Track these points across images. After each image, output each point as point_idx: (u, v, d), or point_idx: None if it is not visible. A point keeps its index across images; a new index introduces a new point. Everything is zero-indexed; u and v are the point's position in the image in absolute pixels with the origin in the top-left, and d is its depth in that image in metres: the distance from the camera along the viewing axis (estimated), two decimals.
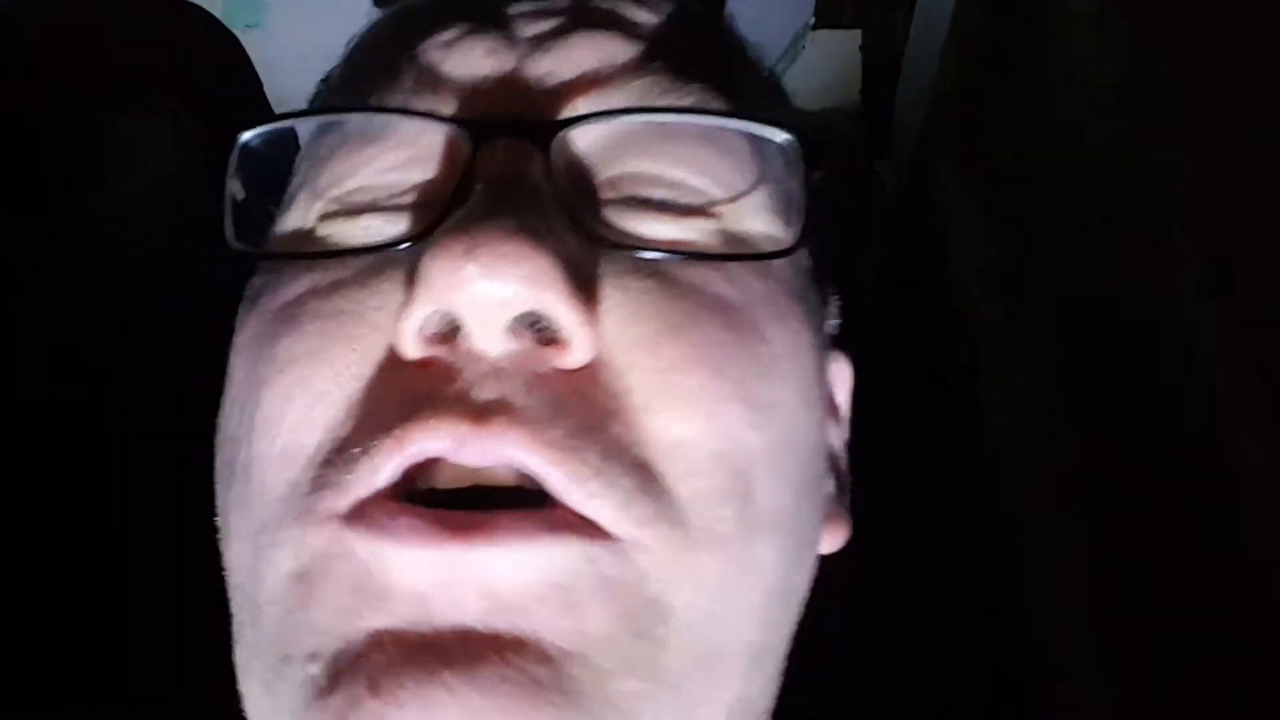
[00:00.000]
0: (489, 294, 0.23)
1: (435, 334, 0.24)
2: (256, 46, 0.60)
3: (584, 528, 0.23)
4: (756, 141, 0.29)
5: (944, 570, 0.50)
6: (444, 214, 0.25)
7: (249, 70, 0.58)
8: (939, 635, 0.47)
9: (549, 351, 0.24)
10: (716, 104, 0.30)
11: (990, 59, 0.55)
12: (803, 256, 0.31)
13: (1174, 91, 0.40)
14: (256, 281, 0.30)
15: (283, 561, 0.24)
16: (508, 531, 0.22)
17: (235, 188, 0.29)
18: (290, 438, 0.25)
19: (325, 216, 0.29)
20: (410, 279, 0.24)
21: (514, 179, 0.25)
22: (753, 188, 0.29)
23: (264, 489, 0.25)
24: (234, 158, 0.29)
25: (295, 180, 0.31)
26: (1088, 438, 0.48)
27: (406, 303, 0.24)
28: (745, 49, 0.36)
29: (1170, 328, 0.40)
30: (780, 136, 0.29)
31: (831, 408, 0.33)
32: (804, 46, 0.81)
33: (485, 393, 0.23)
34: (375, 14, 0.35)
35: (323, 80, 0.36)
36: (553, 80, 0.29)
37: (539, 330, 0.24)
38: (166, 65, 0.53)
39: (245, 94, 0.57)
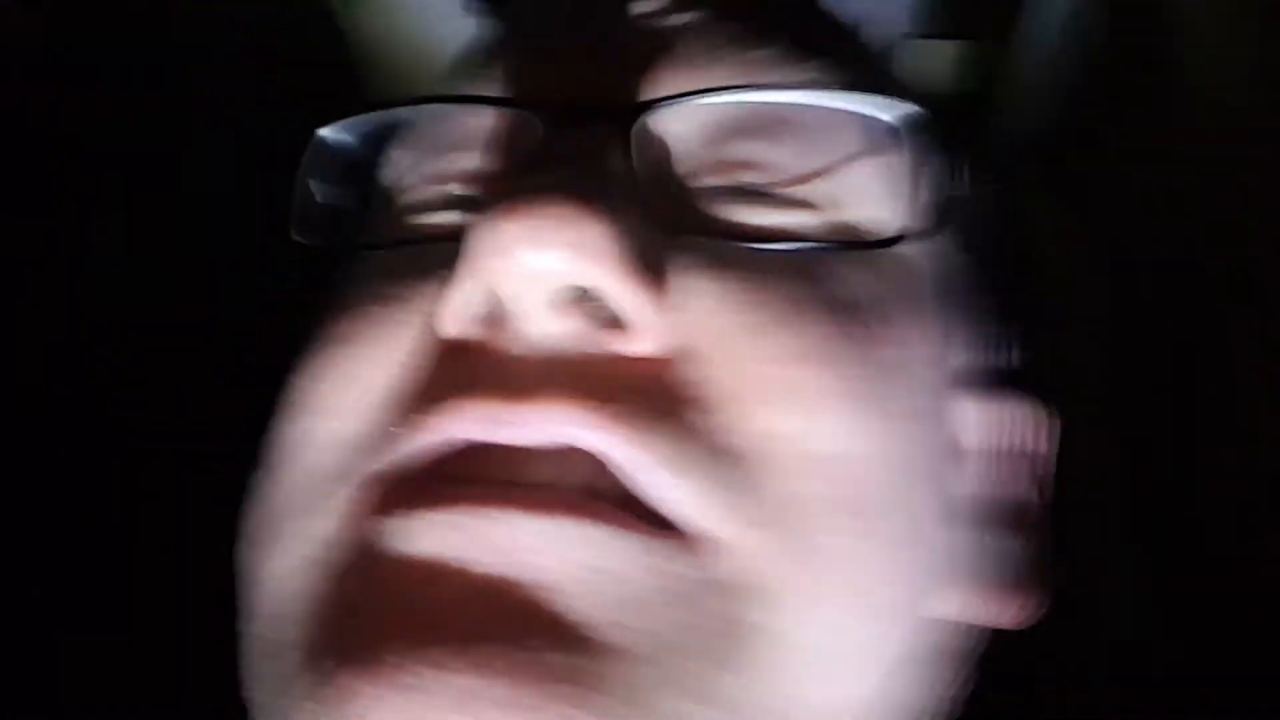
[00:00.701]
0: (529, 262, 0.20)
1: (479, 316, 0.22)
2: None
3: (649, 525, 0.20)
4: (872, 122, 0.26)
5: None
6: (508, 196, 0.22)
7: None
8: None
9: (609, 336, 0.22)
10: (834, 81, 0.27)
11: (1102, 87, 0.54)
12: (950, 256, 0.28)
13: None
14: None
15: (285, 552, 0.23)
16: (554, 502, 0.20)
17: (311, 184, 0.28)
18: (313, 422, 0.24)
19: (403, 211, 0.28)
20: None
21: (586, 164, 0.23)
22: (867, 173, 0.26)
23: (279, 478, 0.24)
24: (310, 153, 0.28)
25: (380, 179, 0.30)
26: (1154, 461, 0.46)
27: (449, 280, 0.22)
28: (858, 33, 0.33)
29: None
30: (893, 112, 0.25)
31: (1021, 458, 0.30)
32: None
33: (526, 371, 0.21)
34: None
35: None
36: (646, 57, 0.27)
37: (600, 314, 0.22)
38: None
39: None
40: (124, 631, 0.38)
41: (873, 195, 0.26)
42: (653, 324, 0.22)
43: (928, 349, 0.26)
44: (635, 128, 0.24)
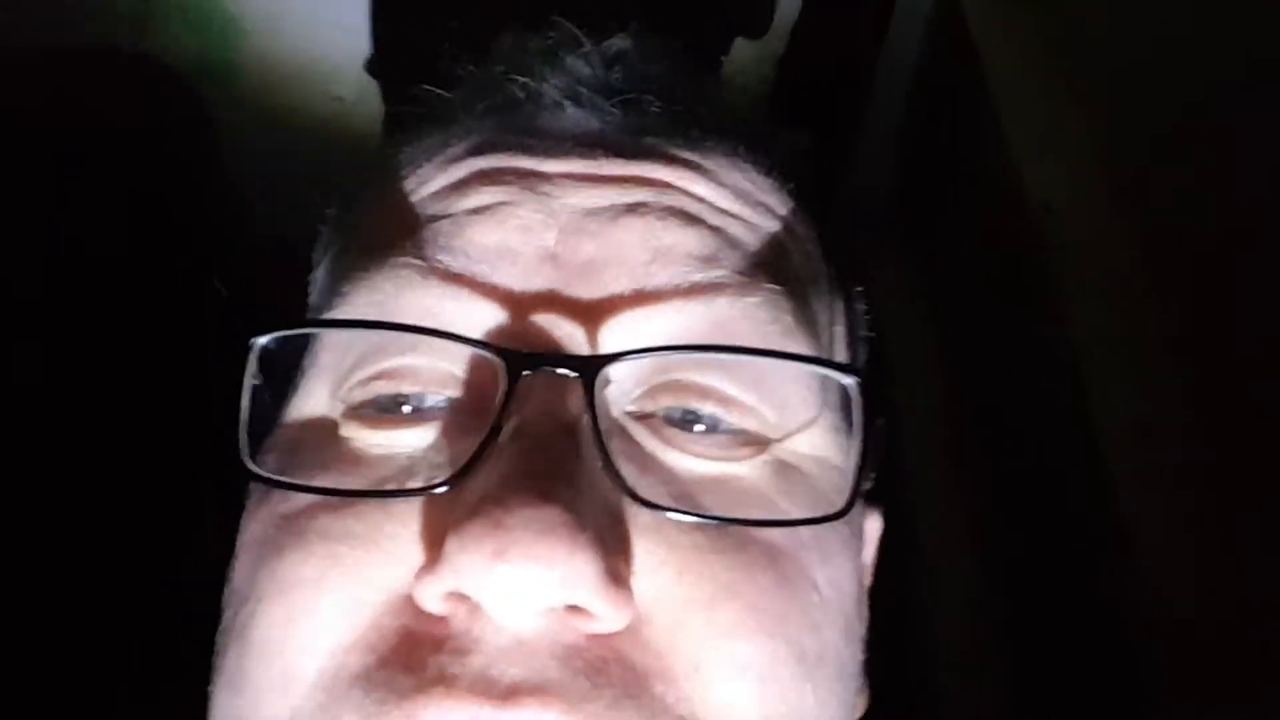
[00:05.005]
0: (524, 590, 0.22)
1: (454, 594, 0.23)
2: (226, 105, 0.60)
3: None
4: (826, 379, 0.28)
5: None
6: (478, 455, 0.24)
7: (205, 126, 0.58)
8: None
9: (577, 619, 0.23)
10: (784, 307, 0.29)
11: (938, 173, 0.57)
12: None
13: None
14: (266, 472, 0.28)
15: None
16: None
17: (249, 395, 0.27)
18: (291, 662, 0.24)
19: (346, 413, 0.28)
20: (433, 528, 0.24)
21: (551, 419, 0.25)
22: (809, 412, 0.28)
23: (258, 710, 0.25)
24: (251, 362, 0.27)
25: (310, 364, 0.29)
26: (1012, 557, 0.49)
27: (430, 569, 0.23)
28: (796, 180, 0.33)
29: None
30: (847, 380, 0.28)
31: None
32: None
33: (510, 670, 0.22)
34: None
35: (335, 217, 0.34)
36: (598, 292, 0.27)
37: (573, 608, 0.23)
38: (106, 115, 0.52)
39: (199, 152, 0.57)
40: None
41: (812, 432, 0.28)
42: (620, 617, 0.23)
43: (849, 565, 0.28)
44: (598, 378, 0.25)
